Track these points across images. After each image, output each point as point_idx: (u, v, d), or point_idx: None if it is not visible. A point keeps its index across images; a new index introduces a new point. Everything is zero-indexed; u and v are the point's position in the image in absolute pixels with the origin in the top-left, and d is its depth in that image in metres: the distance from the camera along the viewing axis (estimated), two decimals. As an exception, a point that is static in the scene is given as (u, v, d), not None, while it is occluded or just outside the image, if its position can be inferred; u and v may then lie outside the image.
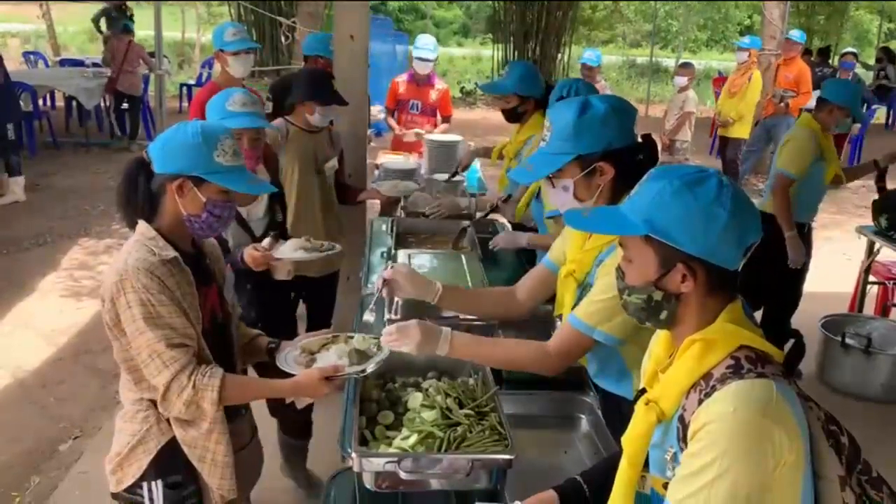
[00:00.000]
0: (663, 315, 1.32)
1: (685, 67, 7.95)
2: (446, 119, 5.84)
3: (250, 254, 2.60)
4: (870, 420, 4.20)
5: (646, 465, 1.40)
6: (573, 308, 1.95)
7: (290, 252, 2.70)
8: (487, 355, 1.94)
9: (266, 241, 2.74)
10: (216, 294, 2.06)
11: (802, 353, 1.29)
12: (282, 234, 2.85)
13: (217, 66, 4.20)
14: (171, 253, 1.87)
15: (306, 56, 4.78)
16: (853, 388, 4.42)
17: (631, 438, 1.37)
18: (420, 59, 5.73)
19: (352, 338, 2.10)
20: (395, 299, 2.39)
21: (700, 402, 1.22)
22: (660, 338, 1.44)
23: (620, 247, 1.39)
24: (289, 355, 2.05)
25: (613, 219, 1.34)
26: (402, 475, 1.63)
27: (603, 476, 1.55)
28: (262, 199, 2.83)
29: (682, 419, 1.27)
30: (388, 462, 1.65)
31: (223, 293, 2.12)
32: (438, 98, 5.78)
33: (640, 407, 1.37)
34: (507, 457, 1.66)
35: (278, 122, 3.49)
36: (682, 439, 1.26)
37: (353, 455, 1.66)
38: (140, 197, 1.91)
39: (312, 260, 2.78)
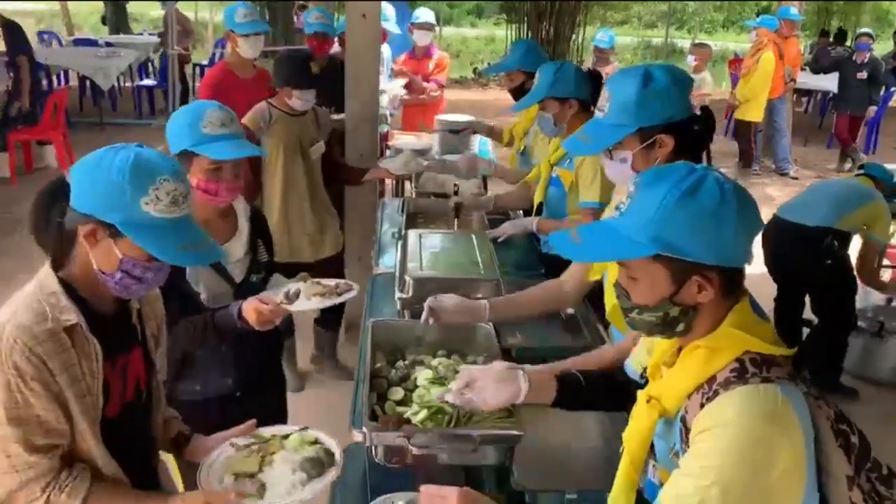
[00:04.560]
0: (680, 327, 1.28)
1: (698, 47, 7.89)
2: (438, 83, 5.81)
3: (256, 309, 2.01)
4: (881, 404, 4.20)
5: (652, 448, 1.39)
6: None
7: (305, 303, 2.17)
8: (521, 307, 2.21)
9: (280, 295, 2.15)
10: (141, 361, 1.64)
11: (815, 341, 1.29)
12: (268, 272, 2.38)
13: (229, 47, 4.20)
14: (71, 319, 1.44)
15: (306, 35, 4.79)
16: (865, 372, 4.41)
17: (632, 435, 1.36)
18: (420, 25, 5.67)
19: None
20: (407, 279, 2.41)
21: (702, 405, 1.22)
22: None
23: (619, 265, 1.31)
24: (214, 467, 1.62)
25: (614, 241, 1.25)
26: (412, 450, 1.65)
27: (599, 378, 1.67)
28: (242, 233, 2.29)
29: (684, 420, 1.27)
30: (397, 437, 1.67)
31: (152, 358, 1.70)
32: (436, 68, 5.77)
33: (641, 404, 1.35)
34: (515, 432, 1.68)
35: (261, 105, 3.44)
36: (685, 440, 1.26)
37: (364, 430, 1.68)
38: (50, 231, 1.48)
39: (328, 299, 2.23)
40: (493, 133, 4.67)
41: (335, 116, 4.16)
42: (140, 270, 1.48)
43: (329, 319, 4.11)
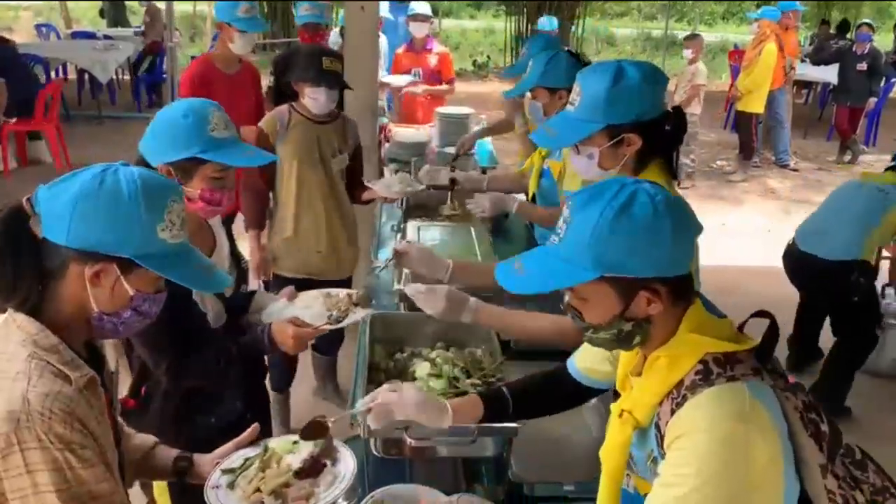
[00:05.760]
0: (637, 340, 1.28)
1: (691, 40, 7.93)
2: (449, 82, 5.76)
3: (296, 335, 1.92)
4: (880, 395, 4.20)
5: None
6: None
7: (321, 319, 2.05)
8: (511, 328, 2.00)
9: (282, 302, 2.11)
10: (109, 404, 1.43)
11: (776, 338, 1.28)
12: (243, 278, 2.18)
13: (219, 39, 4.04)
14: (87, 372, 1.27)
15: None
16: (865, 364, 4.41)
17: (609, 451, 1.36)
18: (415, 17, 5.63)
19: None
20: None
21: (673, 411, 1.22)
22: None
23: (568, 290, 1.29)
24: (221, 494, 1.52)
25: (557, 269, 1.23)
26: (410, 442, 1.65)
27: (525, 388, 1.67)
28: (224, 246, 2.12)
29: (658, 426, 1.27)
30: (395, 429, 1.66)
31: (115, 401, 1.51)
32: (438, 62, 5.71)
33: (614, 419, 1.36)
34: (512, 425, 1.68)
35: (281, 108, 3.15)
36: (661, 444, 1.26)
37: (362, 421, 1.68)
38: (22, 273, 1.25)
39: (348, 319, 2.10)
40: (498, 127, 4.64)
41: None
42: (148, 305, 1.34)
43: (328, 346, 3.78)
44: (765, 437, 1.17)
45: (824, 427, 1.26)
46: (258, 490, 1.51)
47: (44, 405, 1.17)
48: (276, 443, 1.66)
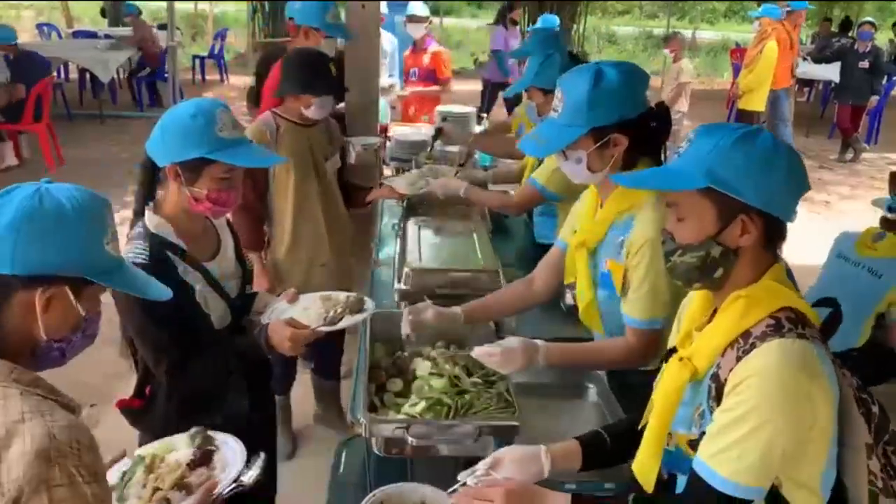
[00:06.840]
0: (718, 273, 1.31)
1: (669, 39, 8.08)
2: (444, 81, 5.75)
3: (293, 337, 1.87)
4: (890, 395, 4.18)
5: None
6: (590, 283, 1.98)
7: (319, 321, 1.99)
8: (578, 361, 1.97)
9: (281, 303, 2.08)
10: None
11: (839, 321, 1.30)
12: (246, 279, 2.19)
13: (300, 40, 3.67)
14: (72, 399, 1.24)
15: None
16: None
17: (662, 395, 1.37)
18: (411, 18, 5.66)
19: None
20: (406, 270, 2.41)
21: (738, 359, 1.23)
22: (695, 298, 1.44)
23: (668, 207, 1.37)
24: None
25: (667, 175, 1.34)
26: (411, 441, 1.65)
27: (623, 430, 1.59)
28: (229, 246, 2.11)
29: (715, 378, 1.28)
30: (396, 428, 1.67)
31: None
32: (431, 61, 5.72)
33: (672, 364, 1.37)
34: (513, 423, 1.68)
35: (266, 116, 2.97)
36: (715, 398, 1.27)
37: (363, 421, 1.68)
38: None
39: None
40: (495, 131, 4.65)
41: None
42: (93, 326, 1.28)
43: (328, 366, 3.60)
44: (826, 398, 1.19)
45: (875, 409, 1.28)
46: (157, 489, 1.51)
47: (70, 437, 1.10)
48: (149, 448, 1.67)
